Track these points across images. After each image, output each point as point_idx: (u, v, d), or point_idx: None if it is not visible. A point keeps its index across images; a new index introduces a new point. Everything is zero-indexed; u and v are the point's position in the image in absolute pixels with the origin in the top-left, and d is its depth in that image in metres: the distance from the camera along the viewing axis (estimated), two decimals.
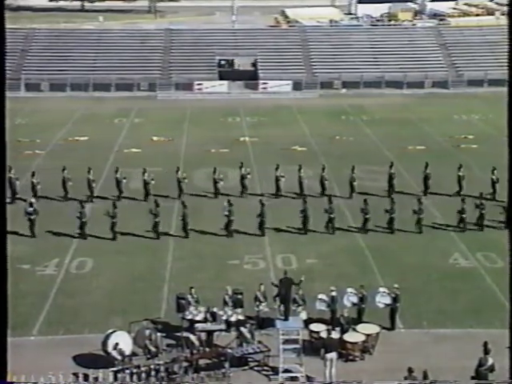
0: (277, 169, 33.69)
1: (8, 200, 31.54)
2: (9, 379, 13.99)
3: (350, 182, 33.26)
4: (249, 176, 33.85)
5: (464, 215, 29.24)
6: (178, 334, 20.65)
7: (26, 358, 18.94)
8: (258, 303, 21.80)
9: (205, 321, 20.88)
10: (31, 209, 29.02)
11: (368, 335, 20.40)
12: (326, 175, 33.51)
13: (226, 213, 28.97)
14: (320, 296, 21.73)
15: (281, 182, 33.42)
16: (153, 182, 33.17)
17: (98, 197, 33.21)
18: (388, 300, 21.79)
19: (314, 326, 20.73)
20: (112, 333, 19.66)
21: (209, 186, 33.98)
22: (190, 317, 21.06)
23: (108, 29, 75.10)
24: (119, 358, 19.10)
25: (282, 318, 20.22)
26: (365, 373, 18.91)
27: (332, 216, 29.11)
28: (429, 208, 31.28)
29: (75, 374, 18.71)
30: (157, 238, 28.74)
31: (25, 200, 31.77)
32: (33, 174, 33.09)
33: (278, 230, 29.48)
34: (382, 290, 22.18)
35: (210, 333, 20.65)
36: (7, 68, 56.27)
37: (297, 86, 62.26)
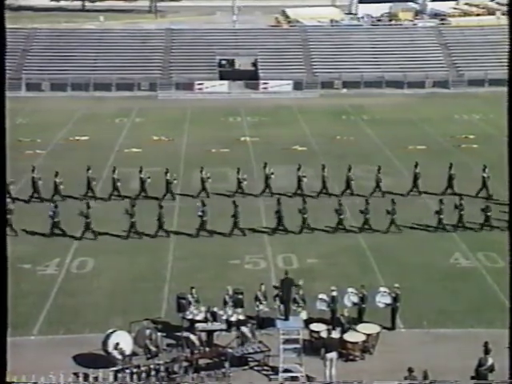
0: (299, 169, 33.67)
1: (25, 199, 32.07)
2: (9, 379, 13.99)
3: (376, 181, 33.36)
4: (273, 176, 33.74)
5: (442, 216, 29.24)
6: (179, 334, 20.64)
7: (27, 358, 18.97)
8: (258, 303, 21.80)
9: (205, 321, 20.88)
10: None
11: (368, 335, 20.39)
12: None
13: (200, 213, 28.88)
14: (320, 296, 21.72)
15: (303, 182, 33.41)
16: (175, 181, 33.26)
17: (99, 196, 33.28)
18: (388, 300, 21.78)
19: (314, 326, 20.73)
20: (112, 332, 19.67)
21: (211, 186, 33.98)
22: (190, 316, 21.07)
23: (109, 29, 75.23)
24: (119, 357, 19.11)
25: (283, 317, 20.22)
26: (365, 373, 18.91)
27: (305, 216, 29.08)
28: (430, 208, 31.25)
29: (75, 374, 18.72)
30: (139, 238, 28.67)
31: (50, 200, 31.67)
32: (56, 174, 32.82)
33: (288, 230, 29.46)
34: (382, 289, 22.17)
35: (210, 333, 20.65)
36: (8, 68, 56.08)
37: (297, 85, 62.29)
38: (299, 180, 33.45)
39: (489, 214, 29.28)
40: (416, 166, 33.84)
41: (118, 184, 33.17)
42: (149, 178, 33.25)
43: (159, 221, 28.76)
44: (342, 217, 29.12)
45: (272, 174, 33.74)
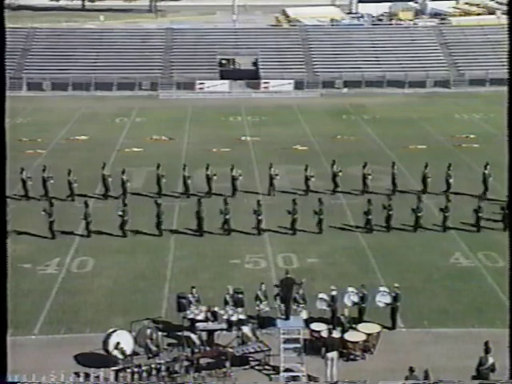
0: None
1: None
2: (10, 378, 14.00)
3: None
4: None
5: (370, 216, 29.07)
6: (179, 334, 20.63)
7: (28, 357, 18.98)
8: (258, 302, 21.80)
9: (206, 320, 20.88)
10: None
11: (369, 334, 20.40)
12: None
13: (120, 213, 28.87)
14: (321, 295, 21.72)
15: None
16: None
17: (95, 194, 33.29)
18: (388, 299, 21.77)
19: (314, 326, 20.73)
20: (113, 332, 19.67)
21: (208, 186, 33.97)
22: (191, 316, 21.07)
23: (109, 28, 75.36)
24: (120, 357, 19.12)
25: (283, 317, 20.23)
26: (366, 372, 18.92)
27: (227, 217, 28.97)
28: (430, 207, 31.25)
29: (76, 373, 18.71)
30: (52, 238, 28.59)
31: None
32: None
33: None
34: (382, 289, 22.17)
35: (210, 332, 20.64)
36: (9, 67, 55.98)
37: (298, 85, 62.30)
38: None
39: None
40: (486, 166, 33.31)
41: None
42: (215, 175, 33.22)
43: (85, 219, 28.73)
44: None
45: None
